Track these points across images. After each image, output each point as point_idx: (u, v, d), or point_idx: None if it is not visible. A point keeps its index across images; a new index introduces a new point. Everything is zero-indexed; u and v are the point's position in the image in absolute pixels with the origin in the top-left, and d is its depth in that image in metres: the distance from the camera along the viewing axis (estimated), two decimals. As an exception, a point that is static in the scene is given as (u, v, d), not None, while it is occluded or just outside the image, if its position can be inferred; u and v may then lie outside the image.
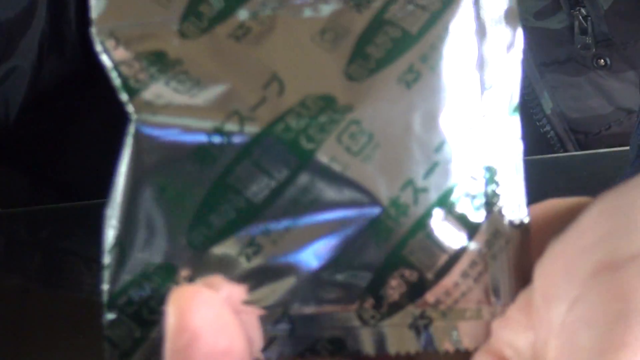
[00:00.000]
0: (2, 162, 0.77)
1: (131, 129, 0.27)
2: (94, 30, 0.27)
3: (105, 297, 0.25)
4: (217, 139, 0.26)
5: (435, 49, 0.27)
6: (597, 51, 0.74)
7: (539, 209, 0.28)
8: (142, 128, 0.27)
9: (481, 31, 0.28)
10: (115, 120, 0.76)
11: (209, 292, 0.25)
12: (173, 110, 0.27)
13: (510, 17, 0.28)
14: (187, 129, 0.26)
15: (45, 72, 0.73)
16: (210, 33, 0.27)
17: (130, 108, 0.27)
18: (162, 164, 0.26)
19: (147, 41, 0.27)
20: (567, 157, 0.69)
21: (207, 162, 0.26)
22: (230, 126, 0.26)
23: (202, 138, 0.26)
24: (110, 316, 0.25)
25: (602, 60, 0.74)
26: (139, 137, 0.27)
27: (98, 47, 0.27)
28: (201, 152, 0.26)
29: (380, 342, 0.27)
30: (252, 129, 0.26)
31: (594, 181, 0.67)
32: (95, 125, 0.76)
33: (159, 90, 0.27)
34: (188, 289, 0.25)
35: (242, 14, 0.27)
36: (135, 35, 0.27)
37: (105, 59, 0.27)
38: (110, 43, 0.27)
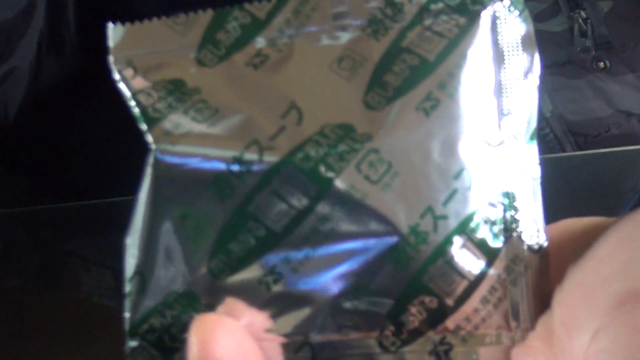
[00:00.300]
0: (1, 162, 0.77)
1: (150, 159, 0.27)
2: (111, 59, 0.27)
3: (126, 325, 0.26)
4: (236, 168, 0.26)
5: (453, 76, 0.27)
6: (596, 54, 0.74)
7: (555, 229, 0.28)
8: (162, 158, 0.27)
9: (499, 58, 0.28)
10: (113, 122, 0.76)
11: (230, 321, 0.25)
12: (192, 140, 0.27)
13: (527, 43, 0.28)
14: (206, 158, 0.26)
15: (44, 72, 0.73)
16: (227, 61, 0.27)
17: (149, 138, 0.27)
18: (181, 193, 0.26)
19: (164, 70, 0.27)
20: (566, 158, 0.69)
21: (227, 191, 0.26)
22: (250, 155, 0.26)
23: (221, 167, 0.26)
24: (132, 344, 0.26)
25: (602, 63, 0.74)
26: (158, 167, 0.27)
27: (116, 76, 0.27)
28: (221, 181, 0.26)
29: None
30: (271, 158, 0.26)
31: (593, 182, 0.67)
32: (94, 126, 0.76)
33: (177, 120, 0.27)
34: (210, 318, 0.25)
35: (260, 42, 0.28)
36: (152, 64, 0.27)
37: (123, 88, 0.28)
38: (128, 72, 0.27)
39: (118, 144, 0.75)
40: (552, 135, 0.79)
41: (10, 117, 0.71)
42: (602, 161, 0.68)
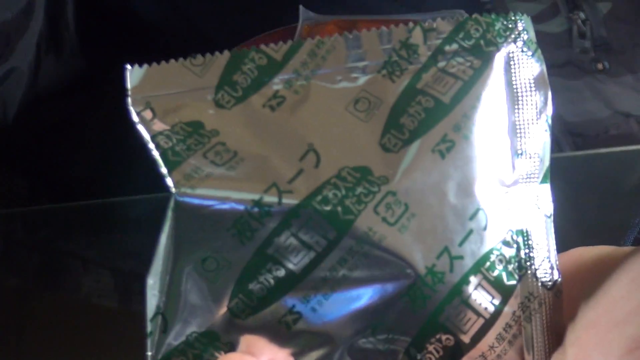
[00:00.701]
0: (0, 163, 0.77)
1: (171, 202, 0.28)
2: (129, 100, 0.28)
3: None
4: (256, 211, 0.27)
5: (468, 118, 0.28)
6: (595, 55, 0.74)
7: (564, 259, 0.28)
8: (182, 200, 0.27)
9: (512, 98, 0.28)
10: (112, 122, 0.76)
11: (251, 359, 0.26)
12: (212, 183, 0.27)
13: (540, 83, 0.29)
14: (226, 201, 0.27)
15: (43, 73, 0.73)
16: (245, 103, 0.28)
17: (169, 182, 0.28)
18: (202, 236, 0.27)
19: (182, 111, 0.28)
20: (566, 158, 0.69)
21: (247, 233, 0.27)
22: (269, 198, 0.27)
23: (241, 210, 0.27)
24: None
25: (601, 64, 0.74)
26: (179, 210, 0.27)
27: (134, 118, 0.28)
28: (240, 224, 0.27)
29: None
30: (290, 201, 0.27)
31: (592, 182, 0.67)
32: (92, 127, 0.76)
33: (197, 163, 0.27)
34: (232, 357, 0.25)
35: (276, 83, 0.28)
36: (171, 106, 0.28)
37: (142, 130, 0.28)
38: (147, 114, 0.28)
39: (117, 144, 0.75)
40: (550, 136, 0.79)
41: (9, 117, 0.71)
42: (602, 161, 0.68)
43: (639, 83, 0.74)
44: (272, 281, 0.26)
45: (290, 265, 0.27)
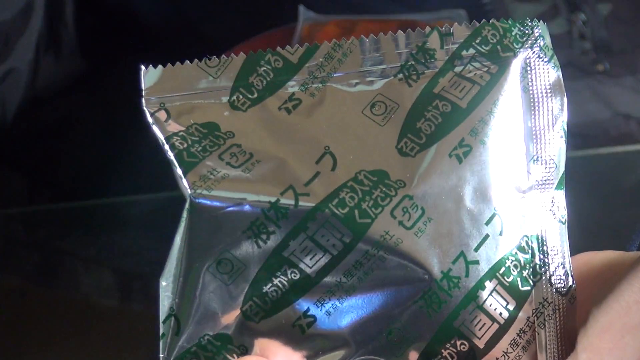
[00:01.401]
0: (0, 162, 0.78)
1: (187, 203, 0.27)
2: (143, 101, 0.28)
3: None
4: (272, 214, 0.27)
5: (485, 122, 0.28)
6: (595, 56, 0.74)
7: (573, 264, 0.28)
8: (198, 202, 0.27)
9: (529, 104, 0.28)
10: (111, 122, 0.76)
11: None
12: (228, 185, 0.27)
13: (556, 89, 0.29)
14: (242, 203, 0.27)
15: (42, 73, 0.72)
16: (260, 105, 0.28)
17: (185, 183, 0.27)
18: (217, 238, 0.27)
19: (197, 113, 0.28)
20: (566, 158, 0.69)
21: (262, 236, 0.27)
22: (285, 201, 0.27)
23: (257, 212, 0.27)
24: None
25: (601, 66, 0.74)
26: (194, 212, 0.27)
27: (148, 119, 0.28)
28: (256, 226, 0.27)
29: None
30: (306, 203, 0.27)
31: (593, 182, 0.67)
32: (91, 127, 0.76)
33: (213, 164, 0.27)
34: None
35: (292, 86, 0.28)
36: (186, 108, 0.28)
37: (156, 131, 0.28)
38: (161, 115, 0.28)
39: (116, 144, 0.75)
40: None
41: (8, 117, 0.71)
42: (602, 161, 0.68)
43: (639, 84, 0.74)
44: (286, 284, 0.26)
45: (306, 268, 0.26)
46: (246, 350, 0.26)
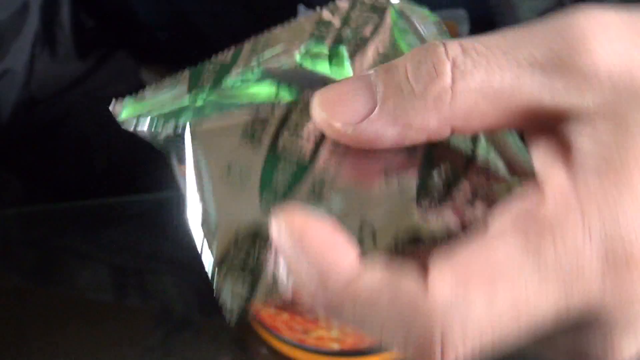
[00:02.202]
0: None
1: (186, 133, 0.29)
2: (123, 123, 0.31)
3: (210, 264, 0.28)
4: (261, 115, 0.29)
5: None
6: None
7: None
8: (195, 125, 0.29)
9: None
10: (106, 122, 0.75)
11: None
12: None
13: (440, 28, 0.31)
14: (232, 117, 0.29)
15: (38, 74, 0.72)
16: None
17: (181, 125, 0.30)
18: (221, 147, 0.29)
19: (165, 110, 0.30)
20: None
21: (255, 137, 0.29)
22: (266, 107, 0.30)
23: (247, 118, 0.29)
24: (217, 276, 0.28)
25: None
26: (195, 134, 0.29)
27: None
28: (249, 129, 0.29)
29: None
30: (284, 101, 0.30)
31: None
32: (86, 127, 0.76)
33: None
34: (287, 207, 0.28)
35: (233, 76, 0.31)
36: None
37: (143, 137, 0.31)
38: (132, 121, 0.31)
39: (111, 145, 0.75)
40: None
41: (3, 118, 0.71)
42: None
43: None
44: (288, 177, 0.29)
45: (299, 160, 0.29)
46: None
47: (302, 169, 0.29)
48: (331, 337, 0.52)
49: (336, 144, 0.28)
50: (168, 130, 0.30)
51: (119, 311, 0.59)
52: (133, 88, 0.84)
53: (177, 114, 0.30)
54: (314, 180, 0.29)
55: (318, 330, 0.51)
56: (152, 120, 0.30)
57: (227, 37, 0.72)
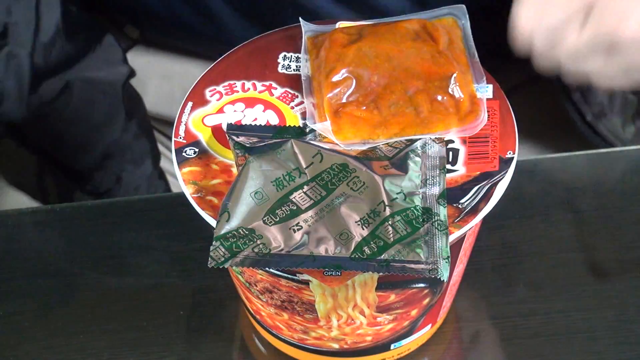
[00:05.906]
0: (10, 138, 0.79)
1: (248, 161, 0.45)
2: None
3: (215, 236, 0.42)
4: (290, 176, 0.44)
5: None
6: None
7: None
8: (252, 160, 0.45)
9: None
10: (99, 105, 0.75)
11: None
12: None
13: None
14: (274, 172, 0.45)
15: (38, 55, 0.72)
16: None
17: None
18: (259, 180, 0.44)
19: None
20: (567, 158, 0.69)
21: (282, 185, 0.44)
22: (295, 173, 0.44)
23: (282, 174, 0.44)
24: (214, 244, 0.42)
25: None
26: (249, 165, 0.44)
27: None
28: (280, 180, 0.44)
29: None
30: (306, 175, 0.44)
31: (593, 181, 0.67)
32: (81, 107, 0.76)
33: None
34: None
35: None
36: None
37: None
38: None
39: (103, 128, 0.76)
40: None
41: (13, 94, 0.70)
42: (602, 161, 0.68)
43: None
44: (287, 212, 0.43)
45: (300, 205, 0.43)
46: (262, 237, 0.42)
47: (294, 213, 0.43)
48: (331, 337, 0.52)
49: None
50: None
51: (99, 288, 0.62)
52: (120, 75, 0.83)
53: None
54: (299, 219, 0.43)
55: (318, 330, 0.51)
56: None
57: (227, 37, 0.72)
